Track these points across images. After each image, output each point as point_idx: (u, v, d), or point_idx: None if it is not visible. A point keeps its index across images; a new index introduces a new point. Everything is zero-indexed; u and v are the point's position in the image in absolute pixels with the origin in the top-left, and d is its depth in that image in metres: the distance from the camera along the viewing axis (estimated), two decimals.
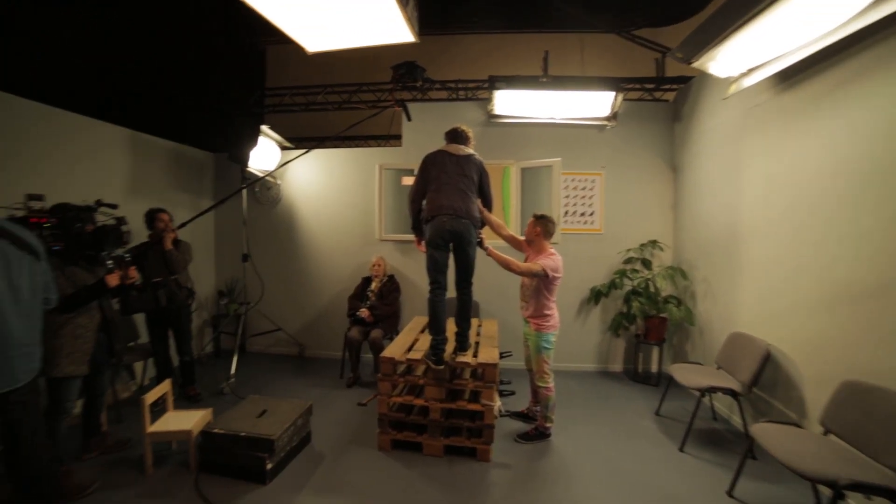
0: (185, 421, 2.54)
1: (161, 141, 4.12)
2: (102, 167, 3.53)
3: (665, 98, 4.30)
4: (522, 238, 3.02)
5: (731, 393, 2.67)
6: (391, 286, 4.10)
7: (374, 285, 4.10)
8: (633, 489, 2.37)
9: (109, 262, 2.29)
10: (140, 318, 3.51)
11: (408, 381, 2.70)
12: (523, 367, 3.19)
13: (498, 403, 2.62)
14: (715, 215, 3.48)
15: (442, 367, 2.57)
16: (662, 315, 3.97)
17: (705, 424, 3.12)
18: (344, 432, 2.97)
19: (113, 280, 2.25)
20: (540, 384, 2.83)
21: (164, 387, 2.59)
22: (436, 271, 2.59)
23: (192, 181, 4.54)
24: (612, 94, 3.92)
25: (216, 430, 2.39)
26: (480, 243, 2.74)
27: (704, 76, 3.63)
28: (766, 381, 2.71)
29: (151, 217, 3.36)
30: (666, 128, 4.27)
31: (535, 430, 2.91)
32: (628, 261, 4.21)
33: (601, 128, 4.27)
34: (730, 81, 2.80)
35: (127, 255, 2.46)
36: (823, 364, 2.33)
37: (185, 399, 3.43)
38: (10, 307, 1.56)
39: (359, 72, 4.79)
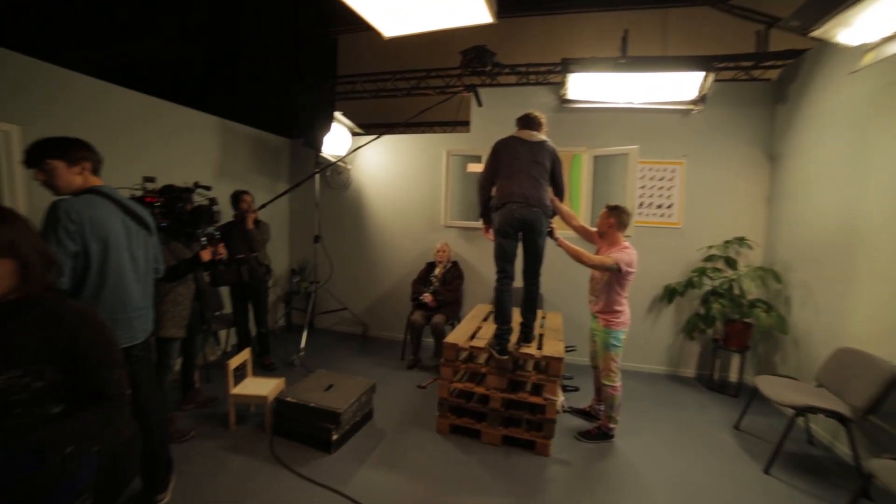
0: (262, 387, 2.75)
1: (243, 128, 4.44)
2: (197, 152, 3.88)
3: (766, 77, 3.82)
4: (594, 230, 2.88)
5: (837, 417, 2.35)
6: (455, 272, 4.11)
7: (437, 271, 4.14)
8: None
9: (203, 238, 2.51)
10: (225, 291, 3.84)
11: (470, 368, 2.71)
12: (587, 363, 3.07)
13: (561, 398, 2.54)
14: (825, 211, 3.05)
15: (506, 357, 2.54)
16: (747, 320, 3.60)
17: (798, 448, 2.79)
18: (404, 412, 3.05)
19: (206, 255, 2.46)
20: (606, 382, 2.71)
21: (245, 354, 2.82)
22: (504, 260, 2.54)
23: (269, 165, 4.85)
24: (702, 74, 3.56)
25: (289, 399, 2.57)
26: (551, 233, 2.64)
27: (822, 49, 3.17)
28: (888, 409, 2.33)
29: (237, 198, 3.65)
30: (764, 111, 3.80)
31: (598, 430, 2.80)
32: (709, 258, 3.85)
33: (685, 113, 3.91)
34: (864, 50, 2.38)
35: (217, 232, 2.69)
36: None
37: (261, 367, 3.72)
38: (131, 275, 1.78)
39: (427, 58, 4.77)
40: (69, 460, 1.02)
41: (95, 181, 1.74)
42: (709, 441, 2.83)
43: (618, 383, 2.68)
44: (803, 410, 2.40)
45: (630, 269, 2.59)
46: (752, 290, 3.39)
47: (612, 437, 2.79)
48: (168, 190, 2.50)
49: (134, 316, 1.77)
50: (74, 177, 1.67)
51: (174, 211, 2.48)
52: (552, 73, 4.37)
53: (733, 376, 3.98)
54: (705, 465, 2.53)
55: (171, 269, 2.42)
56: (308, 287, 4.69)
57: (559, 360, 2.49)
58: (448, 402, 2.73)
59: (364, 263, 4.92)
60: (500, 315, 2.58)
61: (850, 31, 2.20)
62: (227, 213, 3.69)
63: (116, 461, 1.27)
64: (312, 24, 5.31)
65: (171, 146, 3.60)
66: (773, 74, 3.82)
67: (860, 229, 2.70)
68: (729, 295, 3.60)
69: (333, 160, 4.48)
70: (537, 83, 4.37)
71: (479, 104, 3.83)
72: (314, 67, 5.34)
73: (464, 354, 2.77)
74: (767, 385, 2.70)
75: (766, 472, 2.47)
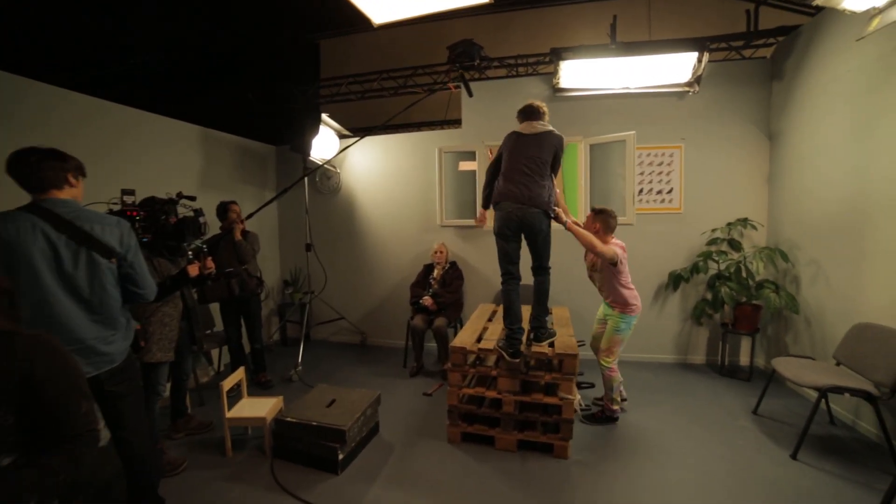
0: (260, 408, 2.59)
1: (227, 136, 4.26)
2: (179, 163, 3.69)
3: (760, 56, 3.75)
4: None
5: (863, 395, 2.26)
6: (454, 273, 3.98)
7: (436, 272, 4.01)
8: (740, 501, 2.09)
9: (190, 252, 2.34)
10: (215, 307, 3.66)
11: (479, 371, 2.57)
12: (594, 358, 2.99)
13: (577, 397, 2.42)
14: (831, 187, 2.97)
15: (518, 360, 2.41)
16: (756, 302, 3.52)
17: (821, 429, 2.70)
18: (412, 423, 2.91)
19: (193, 270, 2.30)
20: (604, 364, 2.76)
21: (239, 374, 2.65)
22: (506, 262, 2.50)
23: (256, 174, 4.67)
24: (695, 55, 3.47)
25: (289, 419, 2.41)
26: (557, 218, 2.51)
27: (819, 21, 3.10)
28: None
29: (224, 209, 3.48)
30: (761, 89, 3.73)
31: (602, 414, 2.83)
32: (713, 242, 3.77)
33: (681, 95, 3.83)
34: (870, 15, 2.30)
35: (204, 246, 2.53)
36: None
37: (257, 385, 3.55)
38: (64, 300, 1.55)
39: (414, 57, 4.67)
40: None
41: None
42: (730, 429, 2.73)
43: (615, 366, 2.74)
44: (828, 391, 2.31)
45: (623, 261, 2.69)
46: (762, 271, 3.30)
47: (616, 419, 2.81)
48: (150, 202, 2.33)
49: (81, 347, 1.56)
50: None
51: (157, 224, 2.31)
52: (541, 64, 4.28)
53: (744, 360, 3.90)
54: (731, 456, 2.43)
55: (157, 287, 2.26)
56: (302, 298, 4.52)
57: (574, 356, 2.37)
58: (458, 409, 2.59)
59: (359, 269, 4.76)
60: (509, 316, 2.49)
61: None
62: (213, 226, 3.53)
63: None
64: (294, 29, 5.21)
65: (152, 158, 3.42)
66: (767, 53, 3.76)
67: (869, 204, 2.62)
68: (737, 277, 3.51)
69: (321, 163, 4.33)
70: (527, 75, 4.26)
71: (470, 94, 3.71)
72: (297, 73, 5.21)
73: (471, 358, 2.64)
74: (786, 367, 2.61)
75: (794, 457, 2.37)
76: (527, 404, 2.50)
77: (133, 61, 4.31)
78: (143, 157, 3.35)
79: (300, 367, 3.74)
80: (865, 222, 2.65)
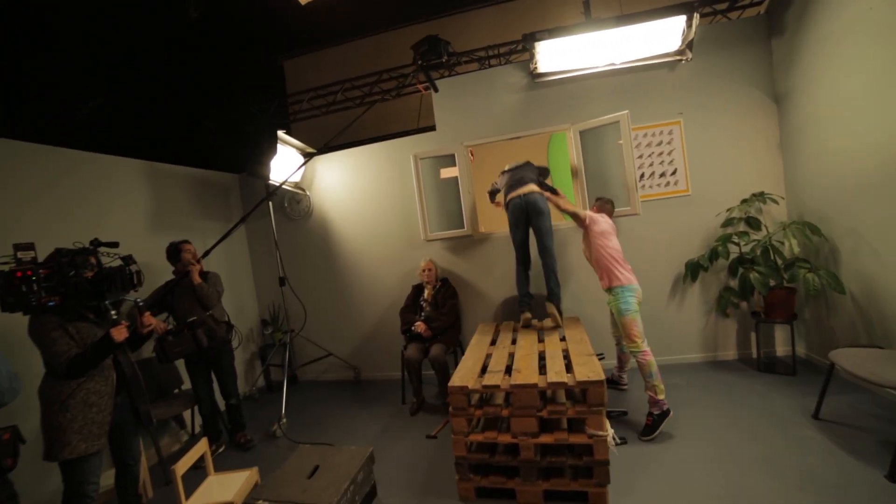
0: (228, 487, 2.12)
1: (179, 168, 3.83)
2: (123, 204, 3.25)
3: (752, 15, 3.41)
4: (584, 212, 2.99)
5: None
6: (447, 292, 3.54)
7: (426, 293, 3.57)
8: None
9: (113, 311, 1.90)
10: (180, 362, 3.19)
11: (487, 413, 2.12)
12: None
13: (611, 431, 1.97)
14: (859, 146, 2.58)
15: (529, 315, 3.12)
16: (790, 285, 3.12)
17: None
18: (416, 476, 2.44)
19: (120, 333, 1.86)
20: (633, 350, 2.58)
21: (201, 448, 2.17)
22: (516, 246, 3.22)
23: (218, 207, 4.23)
24: (682, 18, 3.11)
25: (261, 502, 1.94)
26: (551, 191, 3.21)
27: None
28: None
29: (176, 250, 3.04)
30: (760, 49, 3.37)
31: (652, 416, 2.52)
32: (728, 223, 3.38)
33: (672, 66, 3.46)
34: None
35: (139, 300, 2.09)
36: None
37: (236, 447, 3.07)
38: None
39: (383, 64, 4.32)
40: None
41: None
42: (792, 444, 2.27)
43: (646, 348, 2.55)
44: None
45: (595, 228, 2.82)
46: (795, 249, 2.89)
47: (668, 411, 2.52)
48: (54, 256, 1.89)
49: None
50: None
51: (66, 282, 1.86)
52: (515, 53, 3.92)
53: (780, 351, 3.49)
54: (811, 483, 1.96)
55: (73, 360, 1.81)
56: (282, 338, 4.06)
57: (600, 383, 1.93)
58: (467, 460, 2.13)
59: (342, 299, 4.30)
60: (519, 289, 3.24)
61: None
62: (165, 271, 3.09)
63: None
64: (255, 52, 4.94)
65: (91, 203, 3.00)
66: (758, 10, 3.42)
67: None
68: (764, 259, 3.11)
69: (279, 183, 3.92)
70: (501, 65, 3.89)
71: (435, 89, 3.34)
72: (258, 94, 4.85)
73: (475, 398, 2.19)
74: (851, 361, 2.19)
75: (892, 478, 1.90)
76: (550, 447, 2.05)
77: (77, 103, 3.96)
78: (83, 202, 2.93)
79: (284, 420, 3.27)
80: None
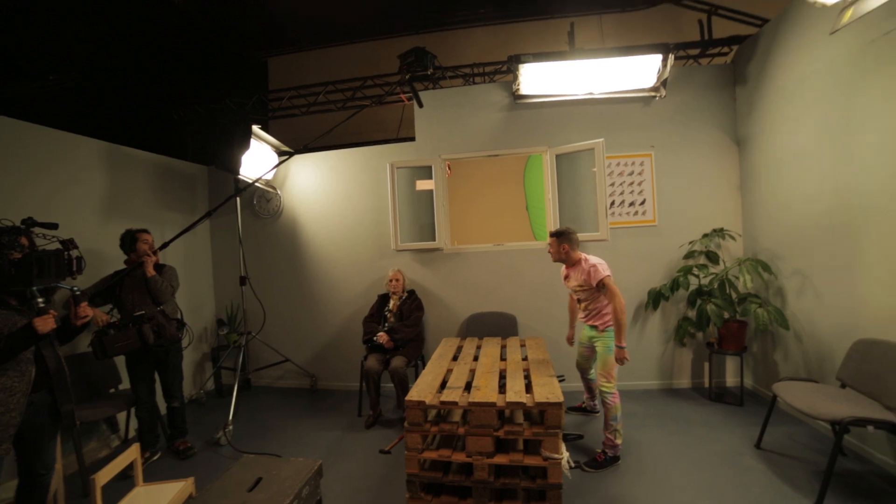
0: (157, 500, 1.95)
1: (142, 153, 3.64)
2: (75, 186, 3.04)
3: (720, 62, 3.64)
4: (572, 294, 2.88)
5: (890, 428, 1.95)
6: (412, 304, 3.48)
7: (392, 304, 3.50)
8: None
9: (41, 299, 1.74)
10: (120, 359, 2.97)
11: (442, 430, 2.07)
12: (579, 388, 2.91)
13: (566, 455, 1.96)
14: (812, 192, 2.76)
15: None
16: (741, 319, 3.26)
17: (829, 461, 2.35)
18: (364, 494, 2.34)
19: (45, 324, 1.70)
20: (605, 390, 2.50)
21: (131, 455, 2.00)
22: None
23: (183, 198, 4.04)
24: (659, 57, 3.28)
25: None
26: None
27: (780, 21, 2.97)
28: None
29: (132, 238, 2.85)
30: (725, 94, 3.58)
31: (604, 455, 2.50)
32: (690, 255, 3.52)
33: (647, 101, 3.62)
34: (841, 8, 2.13)
35: (76, 288, 1.93)
36: None
37: (174, 455, 2.87)
38: None
39: (363, 72, 4.31)
40: None
41: None
42: (738, 471, 2.34)
43: (616, 391, 2.51)
44: (850, 424, 1.98)
45: (609, 273, 2.56)
46: (749, 284, 3.04)
47: (619, 458, 2.51)
48: None
49: None
50: None
51: None
52: (499, 74, 4.01)
53: (730, 381, 3.62)
54: None
55: None
56: (237, 340, 3.87)
57: (558, 405, 1.92)
58: (419, 478, 2.07)
59: (305, 303, 4.17)
60: None
61: None
62: (117, 259, 2.90)
63: None
64: (237, 42, 4.81)
65: (40, 182, 2.79)
66: (721, 61, 3.66)
67: (858, 204, 2.40)
68: (721, 292, 3.24)
69: (251, 181, 3.81)
70: (484, 83, 3.96)
71: (420, 104, 3.35)
72: (237, 87, 4.73)
73: (433, 413, 2.14)
74: (792, 394, 2.28)
75: None
76: (504, 468, 2.02)
77: (45, 81, 3.74)
78: (33, 180, 2.73)
79: (230, 427, 3.08)
80: (854, 228, 2.43)
